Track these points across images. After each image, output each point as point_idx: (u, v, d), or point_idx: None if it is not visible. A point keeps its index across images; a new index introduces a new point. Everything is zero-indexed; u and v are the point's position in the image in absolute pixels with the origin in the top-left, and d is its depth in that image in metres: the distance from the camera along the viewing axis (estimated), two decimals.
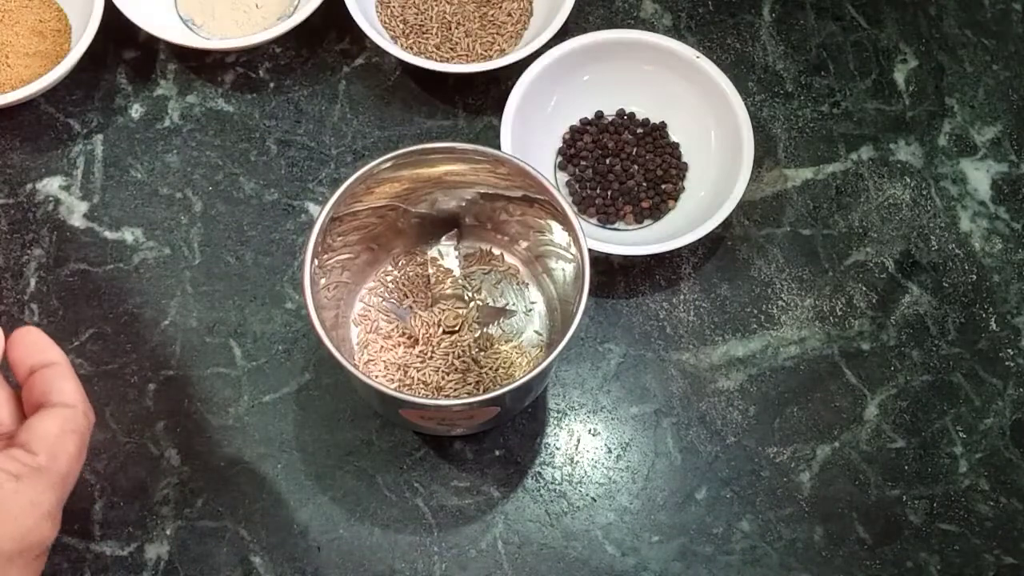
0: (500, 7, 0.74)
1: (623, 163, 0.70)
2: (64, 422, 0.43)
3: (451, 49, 0.73)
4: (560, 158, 0.72)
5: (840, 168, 0.73)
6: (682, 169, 0.71)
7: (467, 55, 0.73)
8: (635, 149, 0.71)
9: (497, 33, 0.74)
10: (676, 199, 0.70)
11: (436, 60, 0.72)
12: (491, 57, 0.73)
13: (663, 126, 0.72)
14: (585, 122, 0.72)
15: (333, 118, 0.73)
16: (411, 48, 0.73)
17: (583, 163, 0.71)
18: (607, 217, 0.69)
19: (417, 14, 0.74)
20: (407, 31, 0.73)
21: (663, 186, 0.70)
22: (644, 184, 0.70)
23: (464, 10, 0.74)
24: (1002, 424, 0.66)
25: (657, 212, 0.70)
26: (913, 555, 0.63)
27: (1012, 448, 0.66)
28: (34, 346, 0.45)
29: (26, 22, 0.71)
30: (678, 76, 0.71)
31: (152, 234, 0.69)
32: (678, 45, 0.70)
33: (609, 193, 0.70)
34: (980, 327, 0.69)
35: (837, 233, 0.71)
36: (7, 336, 0.45)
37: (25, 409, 0.45)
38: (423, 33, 0.73)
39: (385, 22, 0.74)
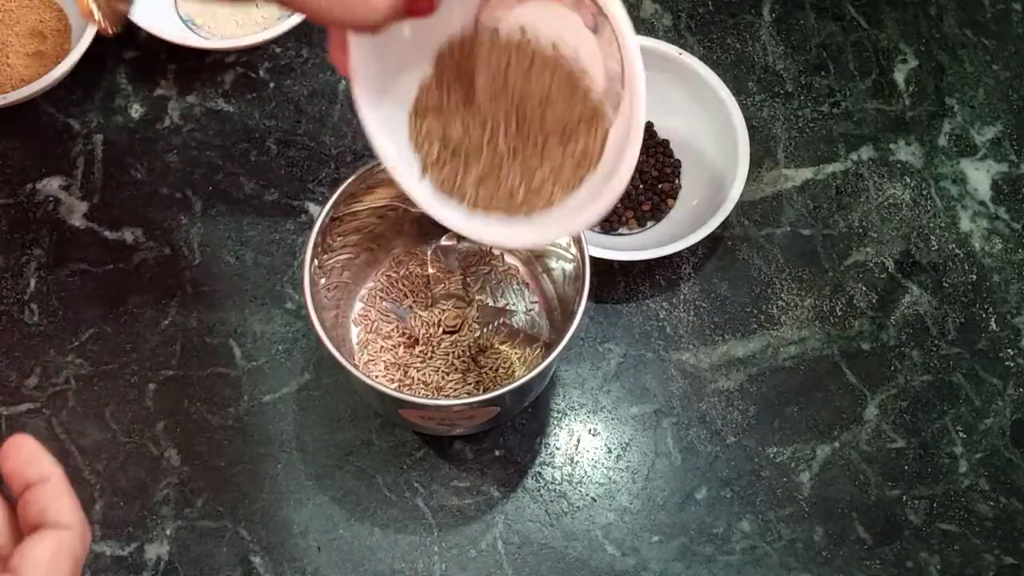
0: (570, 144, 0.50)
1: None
2: (59, 546, 0.42)
3: (494, 186, 0.50)
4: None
5: (840, 168, 0.73)
6: (675, 166, 0.71)
7: (507, 201, 0.49)
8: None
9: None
10: (675, 197, 0.70)
11: (467, 204, 0.50)
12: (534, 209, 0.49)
13: (649, 125, 0.72)
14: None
15: (333, 118, 0.73)
16: (441, 184, 0.50)
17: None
18: (610, 224, 0.69)
19: (463, 132, 0.50)
20: (442, 157, 0.50)
21: (660, 186, 0.70)
22: (641, 187, 0.70)
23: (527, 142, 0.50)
24: (1002, 424, 0.66)
25: (658, 212, 0.70)
26: (913, 555, 0.63)
27: (1012, 448, 0.66)
28: (28, 459, 0.44)
29: (26, 22, 0.71)
30: (669, 76, 0.70)
31: (152, 234, 0.69)
32: (661, 44, 0.70)
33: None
34: (980, 327, 0.69)
35: (837, 233, 0.71)
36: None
37: (22, 527, 0.45)
38: (464, 159, 0.50)
39: (415, 136, 0.50)
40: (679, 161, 0.71)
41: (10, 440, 0.44)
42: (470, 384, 0.62)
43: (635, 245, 0.68)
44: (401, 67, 0.49)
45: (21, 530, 0.44)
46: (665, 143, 0.71)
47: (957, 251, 0.71)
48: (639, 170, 0.70)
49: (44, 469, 0.44)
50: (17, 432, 0.63)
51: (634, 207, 0.70)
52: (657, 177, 0.70)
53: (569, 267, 0.60)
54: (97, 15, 0.52)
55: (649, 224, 0.70)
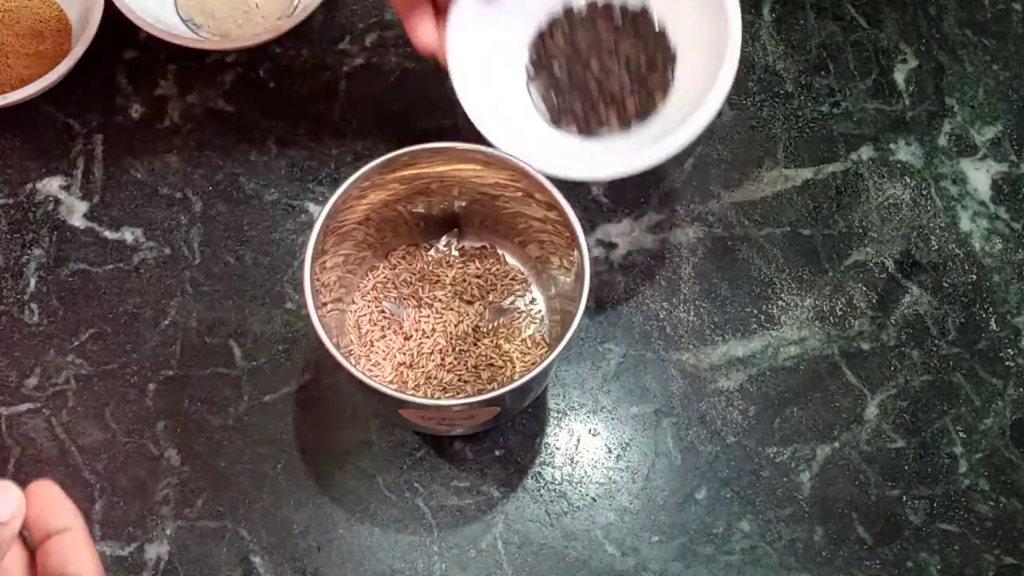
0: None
1: (601, 59, 0.60)
2: None
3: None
4: (530, 68, 0.62)
5: (840, 168, 0.73)
6: (669, 57, 0.61)
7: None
8: (614, 41, 0.61)
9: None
10: (665, 92, 0.60)
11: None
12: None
13: (644, 12, 0.61)
14: (553, 20, 0.62)
15: (333, 118, 0.73)
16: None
17: (555, 68, 0.61)
18: (588, 126, 0.61)
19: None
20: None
21: (649, 78, 0.60)
22: (627, 80, 0.60)
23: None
24: (1002, 424, 0.66)
25: (644, 112, 0.60)
26: (913, 555, 0.63)
27: (1012, 448, 0.66)
28: (50, 507, 0.44)
29: (26, 22, 0.71)
30: None
31: (152, 234, 0.69)
32: None
33: (589, 97, 0.60)
34: (980, 327, 0.69)
35: (837, 233, 0.71)
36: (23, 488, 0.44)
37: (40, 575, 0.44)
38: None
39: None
40: (674, 52, 0.60)
41: (32, 486, 0.43)
42: (470, 384, 0.62)
43: (612, 155, 0.59)
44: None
45: None
46: (660, 33, 0.61)
47: (957, 251, 0.71)
48: (625, 59, 0.60)
49: (66, 519, 0.43)
50: (16, 431, 0.64)
51: (616, 104, 0.60)
52: (646, 68, 0.60)
53: (570, 267, 0.60)
54: None
55: (633, 125, 0.61)
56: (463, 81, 0.59)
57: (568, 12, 0.62)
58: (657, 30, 0.61)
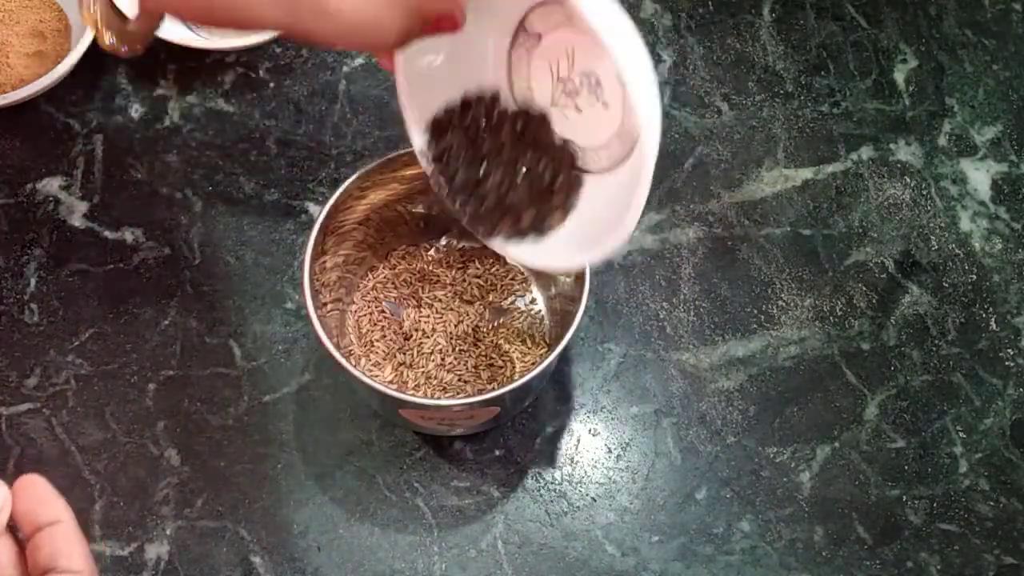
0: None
1: (502, 167, 0.52)
2: None
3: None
4: (426, 154, 0.53)
5: (840, 168, 0.73)
6: (570, 173, 0.52)
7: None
8: (512, 149, 0.52)
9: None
10: (565, 213, 0.52)
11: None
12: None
13: (543, 120, 0.52)
14: (450, 112, 0.52)
15: (333, 118, 0.73)
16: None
17: (450, 166, 0.52)
18: (478, 230, 0.53)
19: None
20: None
21: (553, 195, 0.52)
22: (527, 196, 0.52)
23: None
24: (1002, 424, 0.66)
25: (541, 227, 0.52)
26: (913, 555, 0.63)
27: (1012, 448, 0.66)
28: (39, 500, 0.44)
29: (26, 22, 0.71)
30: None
31: (152, 234, 0.69)
32: None
33: (483, 204, 0.52)
34: (980, 327, 0.69)
35: (837, 233, 0.71)
36: (10, 483, 0.44)
37: (31, 570, 0.45)
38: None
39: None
40: (580, 177, 0.52)
41: (21, 480, 0.43)
42: (470, 384, 0.62)
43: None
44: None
45: (30, 573, 0.43)
46: (562, 147, 0.52)
47: (957, 251, 0.71)
48: (528, 168, 0.52)
49: (56, 512, 0.43)
50: (16, 431, 0.64)
51: (511, 216, 0.52)
52: (549, 184, 0.52)
53: None
54: (107, 37, 0.45)
55: (529, 237, 0.52)
56: (416, 133, 0.53)
57: (465, 105, 0.52)
58: (557, 148, 0.52)
